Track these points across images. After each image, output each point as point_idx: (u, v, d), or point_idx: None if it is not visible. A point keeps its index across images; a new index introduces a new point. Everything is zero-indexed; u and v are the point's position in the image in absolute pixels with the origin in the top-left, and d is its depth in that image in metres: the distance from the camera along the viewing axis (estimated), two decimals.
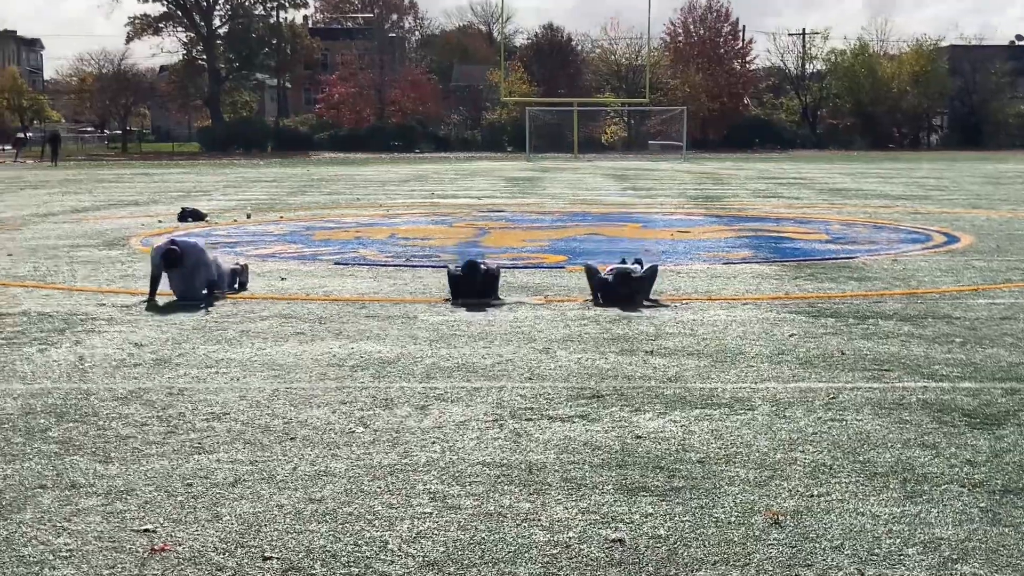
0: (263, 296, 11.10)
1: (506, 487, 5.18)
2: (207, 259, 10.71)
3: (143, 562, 4.30)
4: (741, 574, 4.19)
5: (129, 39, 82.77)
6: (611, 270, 10.88)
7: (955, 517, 4.78)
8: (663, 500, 4.99)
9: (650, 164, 52.70)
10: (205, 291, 10.66)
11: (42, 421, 6.35)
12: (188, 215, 20.15)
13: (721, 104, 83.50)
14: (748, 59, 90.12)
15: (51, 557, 4.35)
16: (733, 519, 4.75)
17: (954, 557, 4.34)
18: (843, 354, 8.18)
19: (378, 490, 5.14)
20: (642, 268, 10.93)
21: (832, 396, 6.90)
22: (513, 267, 13.39)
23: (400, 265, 13.75)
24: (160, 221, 20.04)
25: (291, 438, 6.00)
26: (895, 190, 30.22)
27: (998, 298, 10.87)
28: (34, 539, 4.54)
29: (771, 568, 4.24)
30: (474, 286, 10.68)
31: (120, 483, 5.24)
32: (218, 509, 4.88)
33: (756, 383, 7.29)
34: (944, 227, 18.54)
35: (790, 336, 8.90)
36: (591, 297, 10.74)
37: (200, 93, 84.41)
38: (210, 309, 10.18)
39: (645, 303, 10.56)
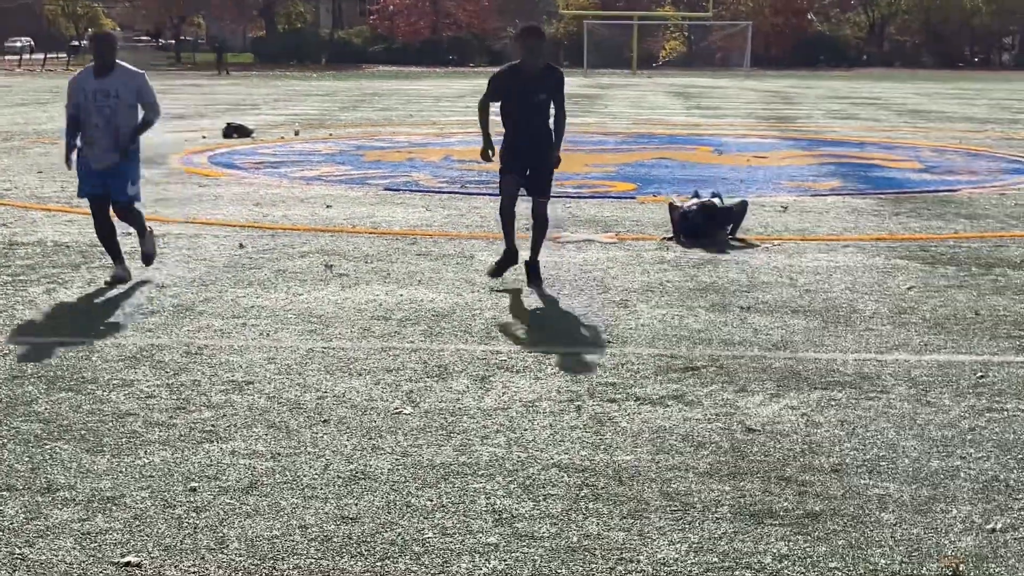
0: (305, 227, 9.99)
1: (592, 505, 4.05)
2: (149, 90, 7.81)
3: None
4: None
5: None
6: (693, 203, 9.66)
7: None
8: (799, 534, 3.83)
9: (712, 81, 50.70)
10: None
11: (30, 389, 5.30)
12: (233, 131, 19.01)
13: (785, 19, 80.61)
14: None
15: None
16: (898, 567, 3.59)
17: None
18: (977, 315, 6.93)
19: (428, 505, 4.03)
20: (721, 202, 9.72)
21: (980, 375, 5.67)
22: (578, 196, 12.17)
23: (455, 192, 12.57)
24: (204, 136, 18.93)
25: (324, 420, 4.91)
26: (979, 112, 28.38)
27: None
28: None
29: None
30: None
31: (107, 485, 4.17)
32: (224, 530, 3.80)
33: (882, 353, 6.07)
34: None
35: (908, 289, 7.64)
36: (671, 235, 9.52)
37: (255, 3, 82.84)
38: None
39: (732, 242, 9.36)
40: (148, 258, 7.94)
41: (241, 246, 9.02)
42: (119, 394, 5.24)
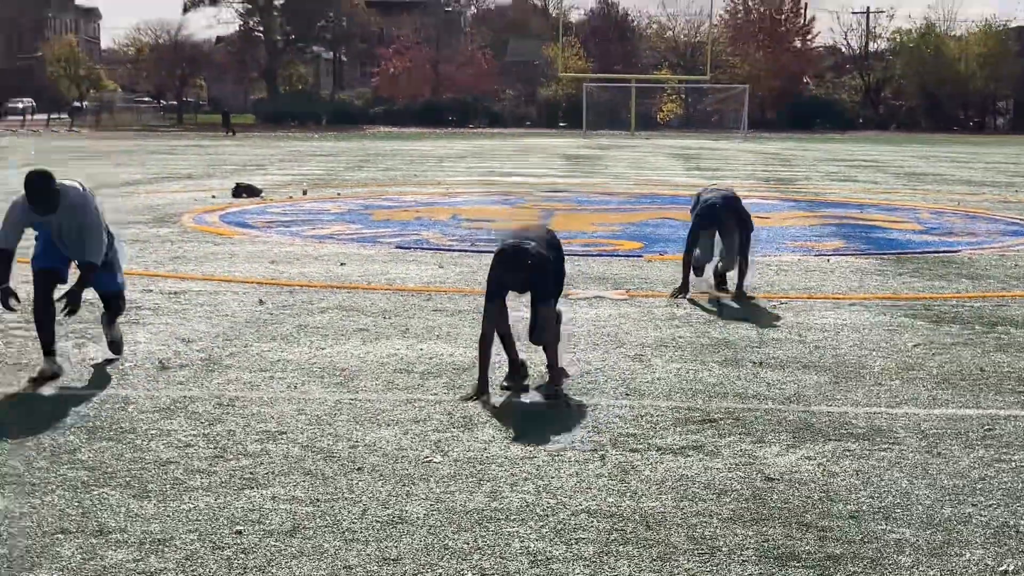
0: (321, 284, 10.22)
1: (622, 548, 4.23)
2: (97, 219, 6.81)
3: None
4: None
5: (186, 9, 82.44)
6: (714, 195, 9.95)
7: None
8: (821, 575, 4.01)
9: (710, 143, 51.29)
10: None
11: (71, 439, 5.49)
12: (243, 190, 19.32)
13: (781, 83, 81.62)
14: (809, 37, 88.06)
15: None
16: None
17: None
18: (983, 371, 7.14)
19: (466, 548, 4.21)
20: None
21: (988, 428, 5.87)
22: (586, 255, 12.42)
23: (465, 250, 12.82)
24: (214, 196, 19.22)
25: (358, 468, 5.09)
26: (975, 175, 28.79)
27: None
28: None
29: None
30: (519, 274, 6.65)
31: (157, 528, 4.35)
32: (273, 570, 3.98)
33: (892, 407, 6.27)
34: None
35: (915, 346, 7.85)
36: (680, 289, 9.68)
37: (256, 65, 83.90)
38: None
39: (742, 296, 9.63)
40: (117, 346, 7.27)
41: (261, 302, 9.23)
42: (158, 443, 5.43)
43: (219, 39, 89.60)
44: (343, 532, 4.35)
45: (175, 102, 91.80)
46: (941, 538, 4.37)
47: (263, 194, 19.54)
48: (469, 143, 47.78)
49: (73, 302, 6.67)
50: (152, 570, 3.97)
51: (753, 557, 4.16)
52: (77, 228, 6.65)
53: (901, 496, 4.83)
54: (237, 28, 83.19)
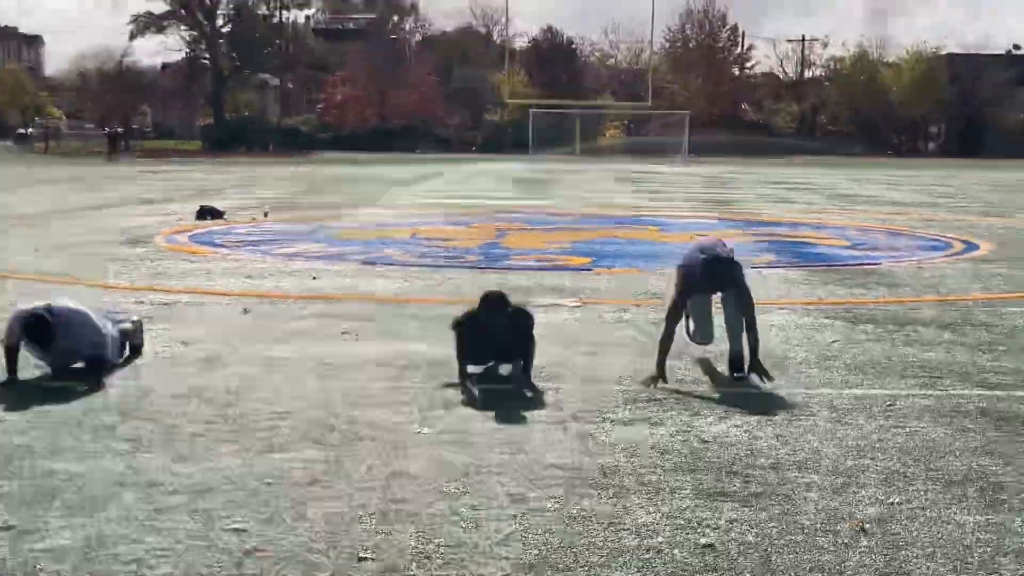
0: (298, 295, 11.10)
1: (584, 489, 5.20)
2: (92, 331, 7.43)
3: (240, 561, 4.31)
4: None
5: (132, 37, 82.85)
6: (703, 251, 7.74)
7: None
8: (745, 506, 5.00)
9: (652, 167, 52.67)
10: (83, 364, 7.49)
11: (107, 419, 6.35)
12: (207, 213, 20.13)
13: (720, 109, 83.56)
14: (747, 65, 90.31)
15: (146, 556, 4.36)
16: (819, 526, 4.77)
17: None
18: (890, 360, 8.20)
19: (457, 491, 5.16)
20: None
21: (889, 404, 6.92)
22: (540, 269, 13.42)
23: (428, 265, 13.75)
24: (180, 219, 20.00)
25: (359, 438, 6.01)
26: (904, 197, 30.27)
27: None
28: (125, 538, 4.54)
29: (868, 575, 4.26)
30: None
31: (199, 481, 5.24)
32: (303, 509, 4.89)
33: (810, 389, 7.30)
34: (961, 234, 18.56)
35: (833, 342, 8.92)
36: (656, 376, 7.38)
37: (203, 92, 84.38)
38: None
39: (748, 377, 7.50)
40: (137, 349, 8.06)
41: (245, 311, 10.10)
42: (183, 421, 6.31)
43: (164, 66, 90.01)
44: (354, 483, 5.26)
45: (121, 129, 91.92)
46: (843, 481, 5.38)
47: (226, 216, 20.35)
48: (419, 168, 48.72)
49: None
50: (203, 508, 4.87)
51: (690, 494, 5.14)
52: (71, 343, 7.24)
53: (812, 453, 5.84)
54: (184, 55, 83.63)
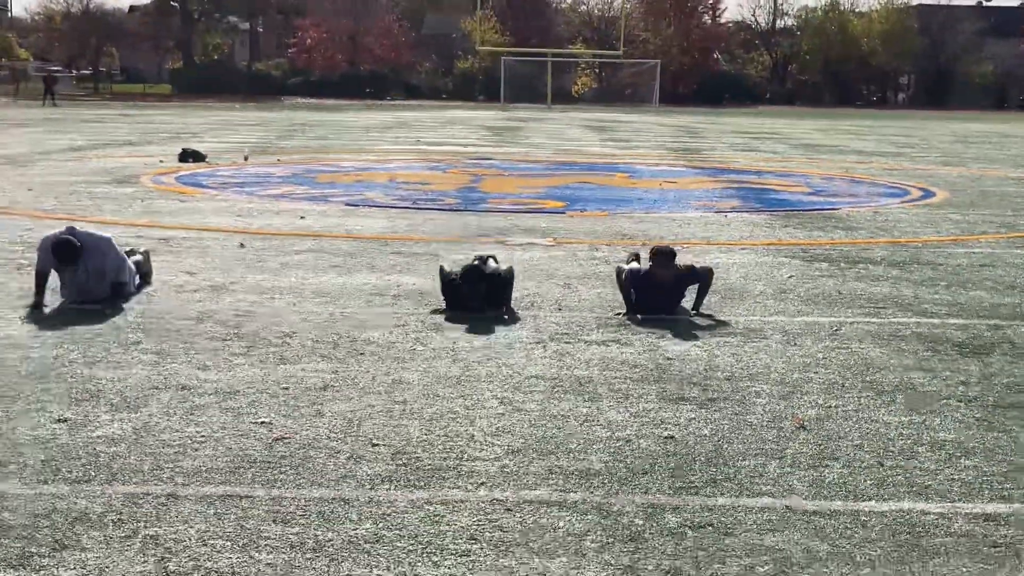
0: (289, 232, 11.75)
1: (562, 394, 5.94)
2: (116, 254, 8.13)
3: (270, 446, 5.02)
4: (779, 464, 4.97)
5: None
6: (642, 267, 8.19)
7: (955, 424, 5.59)
8: (702, 408, 5.76)
9: (623, 116, 53.29)
10: (109, 292, 8.06)
11: (132, 336, 7.02)
12: (189, 156, 20.63)
13: (692, 58, 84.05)
14: (718, 14, 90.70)
15: (189, 442, 5.06)
16: (765, 423, 5.54)
17: (958, 454, 5.15)
18: (840, 294, 8.98)
19: (451, 395, 5.88)
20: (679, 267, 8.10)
21: (835, 329, 7.69)
22: (516, 211, 14.10)
23: (408, 207, 14.40)
24: (162, 161, 20.52)
25: (360, 354, 6.72)
26: (868, 146, 31.09)
27: (975, 248, 11.71)
28: (168, 428, 5.24)
29: (803, 460, 5.02)
30: (476, 294, 7.90)
31: (224, 386, 5.94)
32: (319, 407, 5.61)
33: (765, 317, 8.07)
34: (919, 183, 19.38)
35: (789, 277, 9.68)
36: (624, 312, 8.01)
37: (172, 35, 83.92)
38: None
39: (694, 319, 7.94)
40: (147, 277, 8.71)
41: (242, 245, 10.75)
42: (200, 339, 6.99)
43: (132, 8, 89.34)
44: (360, 388, 5.98)
45: (89, 71, 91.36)
46: (788, 390, 6.15)
47: (208, 159, 20.87)
48: (391, 114, 49.11)
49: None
50: (232, 406, 5.57)
51: (655, 398, 5.90)
52: (96, 266, 7.86)
53: (764, 368, 6.61)
54: None
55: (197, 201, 14.54)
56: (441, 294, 8.11)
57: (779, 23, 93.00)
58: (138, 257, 8.73)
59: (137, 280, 8.54)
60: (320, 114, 47.65)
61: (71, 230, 7.98)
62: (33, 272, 8.01)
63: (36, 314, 7.59)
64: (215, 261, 9.88)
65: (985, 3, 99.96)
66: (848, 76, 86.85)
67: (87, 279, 7.89)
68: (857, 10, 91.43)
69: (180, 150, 21.37)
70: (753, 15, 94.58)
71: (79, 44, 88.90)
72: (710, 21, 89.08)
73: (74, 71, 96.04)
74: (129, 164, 20.00)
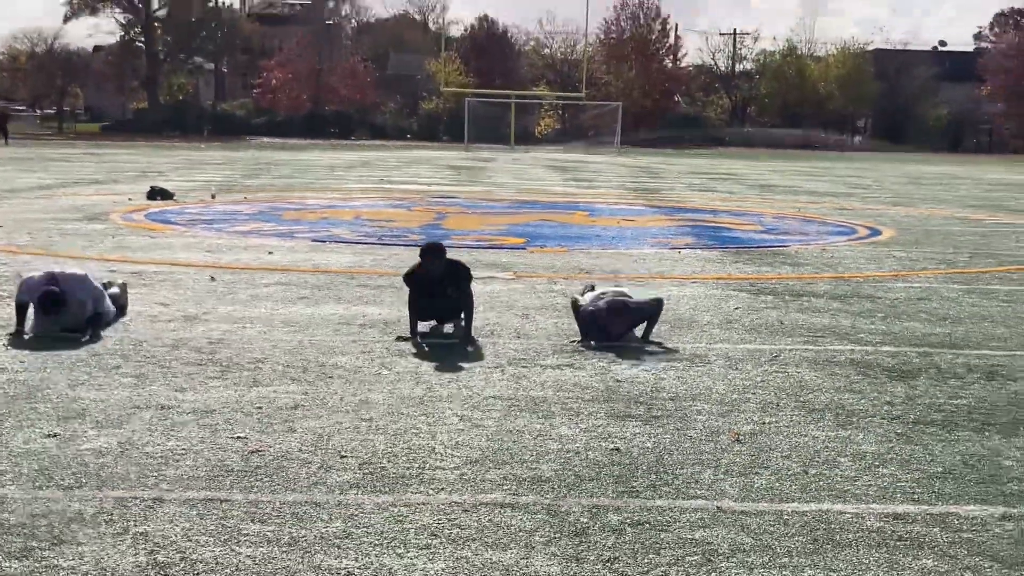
0: (258, 267, 12.17)
1: (519, 412, 6.39)
2: (93, 287, 8.47)
3: (246, 458, 5.44)
4: (713, 472, 5.45)
5: (67, 19, 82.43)
6: (600, 301, 8.58)
7: (877, 438, 6.10)
8: (646, 424, 6.24)
9: (586, 156, 54.11)
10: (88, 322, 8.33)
11: (111, 361, 7.42)
12: (157, 194, 21.00)
13: (653, 101, 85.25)
14: (679, 57, 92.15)
15: (171, 454, 5.47)
16: (703, 437, 6.02)
17: (876, 463, 5.65)
18: (782, 324, 9.50)
19: (414, 413, 6.33)
20: (629, 300, 8.67)
21: (775, 355, 8.20)
22: (479, 247, 14.59)
23: (374, 243, 14.86)
24: (130, 199, 20.87)
25: (329, 377, 7.15)
26: (821, 187, 31.90)
27: (914, 283, 12.31)
28: (151, 442, 5.65)
29: (736, 469, 5.50)
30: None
31: (201, 406, 6.35)
32: (291, 424, 6.03)
33: (710, 344, 8.57)
34: (868, 222, 20.07)
35: (735, 309, 10.21)
36: (579, 339, 8.50)
37: (137, 75, 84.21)
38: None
39: (646, 347, 8.38)
40: (123, 310, 9.03)
41: (212, 279, 11.15)
42: (177, 363, 7.40)
43: (97, 48, 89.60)
44: (329, 407, 6.41)
45: (53, 110, 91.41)
46: (727, 408, 6.64)
47: (176, 197, 21.25)
48: (356, 154, 49.63)
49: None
50: (209, 423, 5.98)
51: (604, 417, 6.37)
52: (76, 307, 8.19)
53: (706, 389, 7.10)
54: (118, 38, 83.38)
55: (167, 237, 14.93)
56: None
57: (738, 67, 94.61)
58: (115, 290, 9.12)
59: (113, 311, 8.92)
60: (285, 153, 48.08)
61: (51, 278, 8.28)
62: (13, 304, 8.39)
63: (18, 341, 7.97)
64: (187, 293, 10.28)
65: (940, 48, 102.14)
66: (805, 119, 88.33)
67: (70, 319, 8.20)
68: (815, 54, 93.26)
69: (148, 188, 21.74)
70: (713, 59, 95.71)
71: (44, 84, 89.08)
72: (671, 64, 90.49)
73: (38, 111, 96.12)
74: (98, 202, 20.34)
